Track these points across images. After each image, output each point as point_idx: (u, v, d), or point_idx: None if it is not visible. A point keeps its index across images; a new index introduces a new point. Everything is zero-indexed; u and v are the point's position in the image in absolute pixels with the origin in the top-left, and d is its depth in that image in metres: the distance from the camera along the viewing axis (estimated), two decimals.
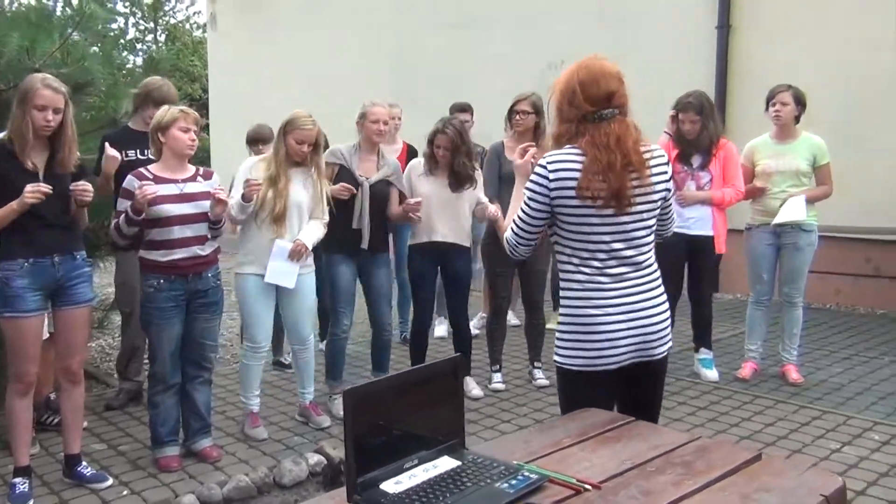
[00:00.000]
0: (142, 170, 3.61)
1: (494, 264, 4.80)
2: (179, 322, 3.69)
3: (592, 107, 2.35)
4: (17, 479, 3.39)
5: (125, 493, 3.52)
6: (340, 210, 4.26)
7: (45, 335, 3.60)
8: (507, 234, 2.49)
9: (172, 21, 25.14)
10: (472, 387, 4.75)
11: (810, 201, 4.72)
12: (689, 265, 4.85)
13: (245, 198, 3.84)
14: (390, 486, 1.68)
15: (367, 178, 4.35)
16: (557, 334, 2.48)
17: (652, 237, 2.47)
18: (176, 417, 3.80)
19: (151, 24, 24.90)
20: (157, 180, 3.57)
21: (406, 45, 9.94)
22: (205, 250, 3.68)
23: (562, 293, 2.47)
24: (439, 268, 4.65)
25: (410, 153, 5.63)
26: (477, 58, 9.09)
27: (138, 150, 4.26)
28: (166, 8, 24.89)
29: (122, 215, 3.51)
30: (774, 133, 4.84)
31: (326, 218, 4.16)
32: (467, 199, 4.53)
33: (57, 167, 3.34)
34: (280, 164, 3.97)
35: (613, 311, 2.38)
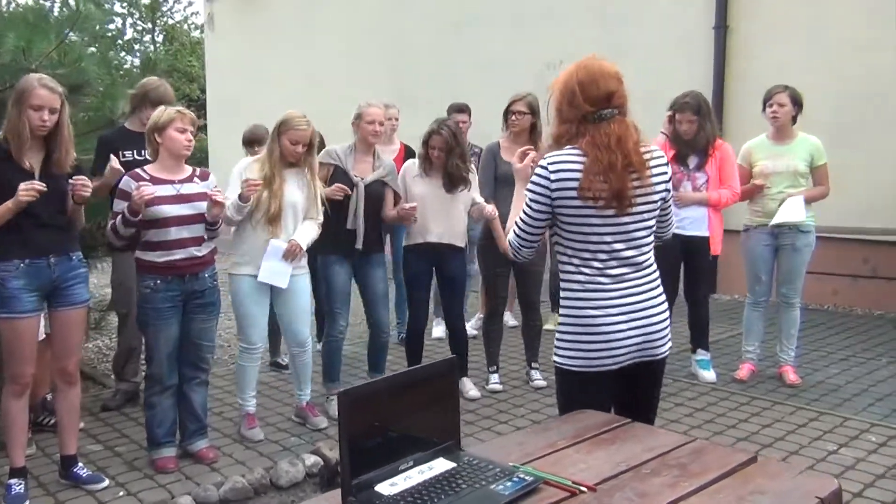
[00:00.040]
0: (138, 170, 3.61)
1: (490, 265, 4.80)
2: (176, 323, 3.68)
3: (592, 107, 2.36)
4: (13, 481, 3.39)
5: (121, 494, 3.51)
6: (335, 211, 4.25)
7: (42, 336, 3.60)
8: (510, 236, 2.49)
9: (170, 22, 25.16)
10: (469, 388, 4.75)
11: (808, 202, 4.72)
12: (685, 266, 4.85)
13: (242, 198, 3.83)
14: (385, 487, 1.68)
15: (363, 179, 4.35)
16: (557, 335, 2.49)
17: (652, 237, 2.48)
18: (173, 419, 3.79)
19: (149, 25, 24.91)
20: (154, 181, 3.56)
21: (404, 46, 9.94)
22: (201, 251, 3.68)
23: (562, 294, 2.47)
24: (434, 269, 4.64)
25: (408, 154, 5.63)
26: (475, 58, 9.09)
27: (135, 151, 4.25)
28: (164, 8, 24.91)
29: (119, 216, 3.50)
30: (771, 134, 4.84)
31: (321, 218, 4.16)
32: (462, 199, 4.53)
33: (53, 168, 3.33)
34: (274, 165, 3.97)
35: (615, 312, 2.39)
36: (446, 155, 4.40)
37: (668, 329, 2.50)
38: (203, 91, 16.01)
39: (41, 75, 3.34)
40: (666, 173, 2.47)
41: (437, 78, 9.27)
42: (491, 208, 4.46)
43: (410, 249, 4.59)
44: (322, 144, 5.09)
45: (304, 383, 4.31)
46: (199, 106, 16.56)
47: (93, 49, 5.36)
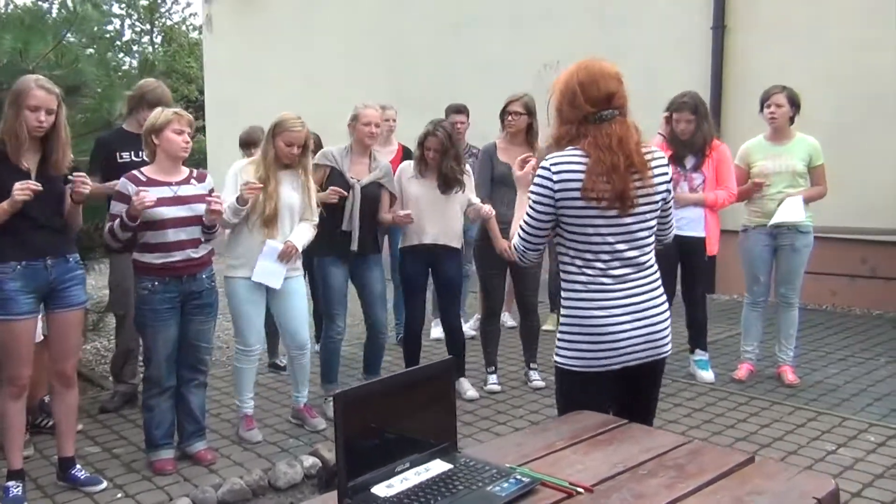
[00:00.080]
0: (135, 172, 3.61)
1: (486, 265, 4.80)
2: (175, 324, 3.68)
3: (593, 108, 2.36)
4: (11, 483, 3.38)
5: (119, 496, 3.51)
6: (331, 212, 4.25)
7: (40, 338, 3.59)
8: (515, 241, 2.49)
9: (169, 23, 25.16)
10: (467, 388, 4.74)
11: (806, 202, 4.72)
12: (682, 266, 4.84)
13: (240, 200, 3.82)
14: (382, 489, 1.67)
15: (359, 181, 4.35)
16: (559, 335, 2.48)
17: (653, 238, 2.49)
18: (171, 420, 3.79)
19: (148, 26, 24.91)
20: (151, 183, 3.56)
21: (402, 47, 9.94)
22: (199, 252, 3.67)
23: (564, 294, 2.47)
24: (431, 270, 4.64)
25: (406, 155, 5.62)
26: (473, 59, 9.09)
27: (132, 152, 4.25)
28: (162, 10, 24.91)
29: (118, 220, 3.50)
30: (769, 134, 4.84)
31: (316, 220, 4.16)
32: (458, 200, 4.53)
33: (50, 169, 3.33)
34: (269, 167, 3.96)
35: (618, 313, 2.39)
36: (441, 156, 4.40)
37: (670, 328, 2.51)
38: (201, 92, 16.02)
39: (38, 76, 3.33)
40: (667, 173, 2.48)
41: (436, 79, 9.27)
42: (487, 208, 4.46)
43: (407, 251, 4.59)
44: (319, 145, 5.10)
45: (302, 385, 4.30)
46: (197, 107, 16.57)
47: (91, 50, 5.37)
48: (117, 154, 4.28)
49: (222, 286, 3.98)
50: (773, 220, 4.71)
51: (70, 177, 3.33)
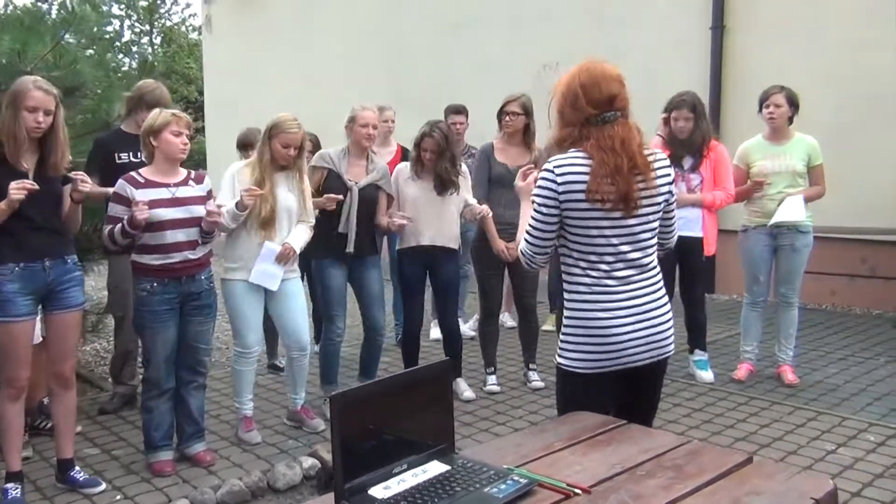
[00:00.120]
0: (133, 174, 3.60)
1: (484, 266, 4.80)
2: (174, 325, 3.67)
3: (595, 110, 2.36)
4: (10, 485, 3.38)
5: (118, 497, 3.50)
6: (328, 214, 4.25)
7: (38, 339, 3.59)
8: (522, 246, 2.49)
9: (168, 24, 25.18)
10: (464, 389, 4.73)
11: (805, 202, 4.72)
12: (680, 267, 4.84)
13: (240, 206, 3.81)
14: (379, 491, 1.67)
15: (357, 183, 4.34)
16: (562, 337, 2.48)
17: (655, 239, 2.49)
18: (170, 422, 3.78)
19: (147, 27, 24.93)
20: (149, 184, 3.56)
21: (402, 47, 9.94)
22: (196, 254, 3.67)
23: (567, 297, 2.47)
24: (428, 271, 4.63)
25: (405, 156, 5.62)
26: (472, 60, 9.09)
27: (131, 153, 4.25)
28: (162, 10, 24.93)
29: (118, 226, 3.49)
30: (768, 134, 4.84)
31: (312, 220, 4.15)
32: (454, 202, 4.52)
33: (48, 170, 3.32)
34: (265, 169, 3.95)
35: (622, 314, 2.39)
36: (437, 157, 4.40)
37: (672, 329, 2.52)
38: (201, 93, 16.03)
39: (36, 77, 3.34)
40: (669, 175, 2.48)
41: (435, 79, 9.26)
42: (484, 208, 4.45)
43: (404, 252, 4.58)
44: (317, 146, 5.09)
45: (300, 387, 4.29)
46: (196, 108, 16.57)
47: (90, 51, 5.36)
48: (116, 155, 4.28)
49: (220, 288, 3.98)
50: (774, 220, 4.71)
51: (70, 175, 3.32)
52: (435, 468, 1.79)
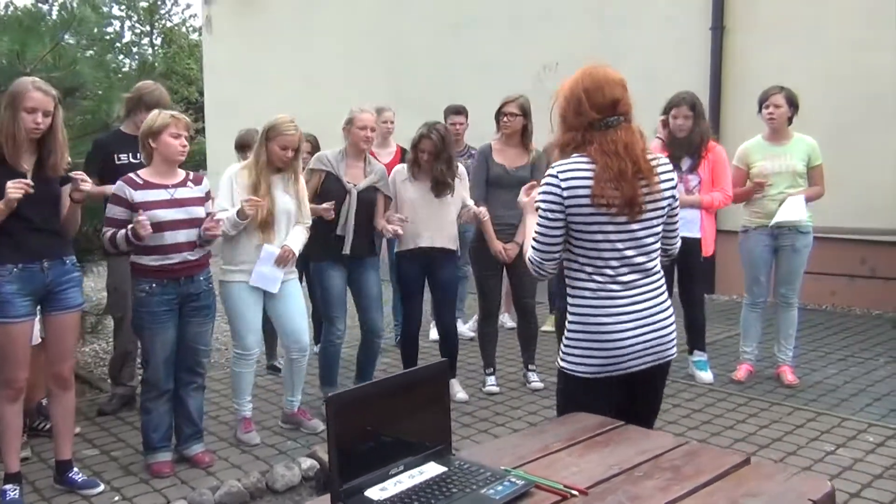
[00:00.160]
0: (132, 175, 3.60)
1: (482, 267, 4.79)
2: (173, 326, 3.67)
3: (598, 114, 2.36)
4: (8, 486, 3.38)
5: (117, 498, 3.50)
6: (325, 216, 4.24)
7: (37, 340, 3.59)
8: (530, 254, 2.48)
9: (168, 24, 25.20)
10: (457, 390, 4.71)
11: (805, 202, 4.72)
12: (678, 268, 4.83)
13: (241, 215, 3.79)
14: (375, 492, 1.67)
15: (355, 185, 4.34)
16: (565, 341, 2.48)
17: (659, 244, 2.49)
18: (169, 423, 3.78)
19: (147, 28, 24.95)
20: (148, 185, 3.56)
21: (401, 47, 9.94)
22: (195, 255, 3.67)
23: (571, 301, 2.46)
24: (426, 273, 4.62)
25: (404, 156, 5.62)
26: (472, 60, 9.09)
27: (130, 154, 4.25)
28: (162, 11, 24.95)
29: (121, 233, 3.48)
30: (767, 135, 4.84)
31: (309, 222, 4.15)
32: (452, 203, 4.51)
33: (47, 171, 3.32)
34: (261, 171, 3.94)
35: (626, 319, 2.39)
36: (434, 159, 4.39)
37: (675, 332, 2.52)
38: (201, 93, 16.03)
39: (35, 78, 3.34)
40: (672, 179, 2.48)
41: (435, 80, 9.26)
42: (482, 210, 4.45)
43: (402, 254, 4.57)
44: (316, 147, 5.09)
45: (297, 389, 4.27)
46: (197, 108, 16.58)
47: (90, 52, 5.36)
48: (115, 156, 4.28)
49: (218, 289, 3.97)
50: (776, 220, 4.70)
51: (70, 175, 3.32)
52: (432, 469, 1.79)
